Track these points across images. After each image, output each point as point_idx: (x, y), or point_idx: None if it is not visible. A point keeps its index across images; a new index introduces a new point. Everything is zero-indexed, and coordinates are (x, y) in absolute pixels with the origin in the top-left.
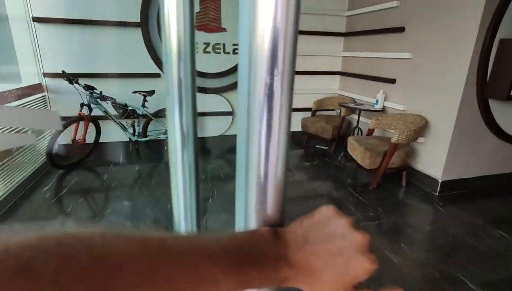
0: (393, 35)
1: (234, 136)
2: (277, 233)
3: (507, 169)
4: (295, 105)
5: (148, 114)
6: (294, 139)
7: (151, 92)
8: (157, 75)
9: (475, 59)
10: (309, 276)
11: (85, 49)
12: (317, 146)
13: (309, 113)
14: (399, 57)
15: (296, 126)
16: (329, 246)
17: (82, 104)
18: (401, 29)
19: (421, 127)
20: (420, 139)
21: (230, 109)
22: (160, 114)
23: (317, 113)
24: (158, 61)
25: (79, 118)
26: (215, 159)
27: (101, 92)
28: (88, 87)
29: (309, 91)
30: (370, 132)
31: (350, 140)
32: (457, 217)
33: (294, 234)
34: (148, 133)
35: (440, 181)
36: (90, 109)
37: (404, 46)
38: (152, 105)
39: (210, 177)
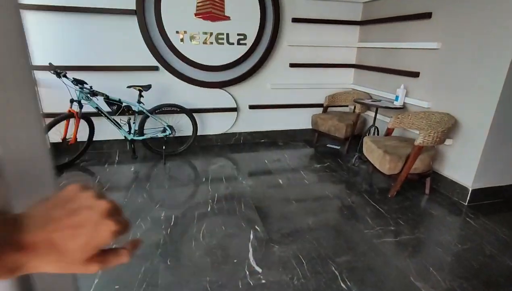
0: (418, 22)
1: (239, 134)
2: (6, 219)
3: None
4: (305, 101)
5: (145, 111)
6: (304, 138)
7: (147, 87)
8: (154, 68)
9: None
10: (53, 253)
11: (75, 40)
12: (328, 145)
13: (320, 110)
14: (425, 48)
15: (306, 123)
16: (74, 218)
17: (72, 100)
18: (427, 15)
19: (450, 128)
20: (448, 141)
21: (235, 105)
22: (158, 110)
23: (329, 109)
24: (156, 53)
25: (69, 115)
26: (217, 159)
27: (91, 87)
28: (77, 82)
29: (320, 86)
30: (389, 132)
31: (367, 141)
32: (493, 232)
33: (32, 216)
34: (145, 131)
35: (470, 189)
36: (81, 106)
37: (430, 35)
38: (150, 101)
39: (210, 179)
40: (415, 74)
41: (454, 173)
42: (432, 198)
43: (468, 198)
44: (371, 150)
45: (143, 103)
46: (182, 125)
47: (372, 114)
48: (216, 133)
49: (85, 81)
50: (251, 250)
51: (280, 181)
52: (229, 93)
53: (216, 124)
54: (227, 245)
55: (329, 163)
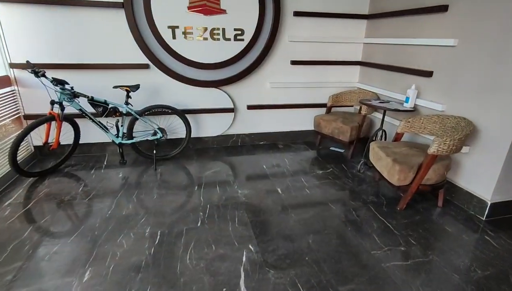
0: (432, 16)
1: (237, 135)
2: None
3: None
4: (307, 100)
5: (133, 112)
6: (306, 140)
7: (135, 87)
8: (145, 66)
9: None
10: None
11: (55, 35)
12: (331, 148)
13: (323, 110)
14: (439, 44)
15: (308, 125)
16: None
17: (52, 102)
18: (443, 8)
19: (468, 135)
20: (464, 149)
21: (232, 106)
22: (147, 112)
23: (333, 109)
24: (146, 49)
25: (49, 118)
26: (212, 163)
27: (72, 87)
28: (57, 82)
29: (324, 85)
30: (398, 137)
31: (374, 147)
32: None
33: None
34: (134, 134)
35: (489, 202)
36: (62, 108)
37: (446, 31)
38: (140, 101)
39: (203, 187)
40: (428, 74)
41: (471, 184)
42: (445, 211)
43: (486, 212)
44: (378, 157)
45: (131, 104)
46: (176, 128)
47: (380, 115)
48: (212, 135)
49: (66, 81)
50: (243, 275)
51: (279, 189)
52: (226, 93)
53: (212, 126)
54: (216, 269)
55: (332, 169)
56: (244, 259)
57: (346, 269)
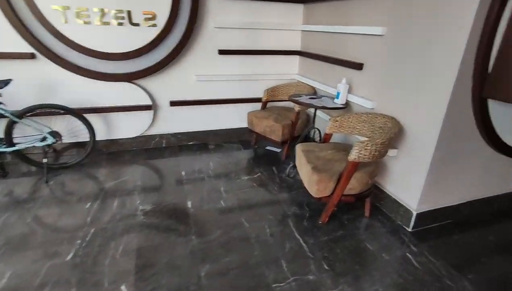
0: (362, 1)
1: (160, 136)
2: None
3: (503, 189)
4: (241, 94)
5: (8, 114)
6: (241, 138)
7: (4, 82)
8: (29, 56)
9: (474, 38)
10: None
11: None
12: (267, 148)
13: (260, 105)
14: (368, 33)
15: (244, 122)
16: None
17: None
18: None
19: (392, 138)
20: (392, 152)
21: (150, 102)
22: (30, 113)
23: (271, 104)
24: (28, 35)
25: None
26: (123, 170)
27: None
28: None
29: (260, 77)
30: (327, 137)
31: (298, 150)
32: (437, 277)
33: None
34: (16, 140)
35: (414, 212)
36: None
37: (374, 17)
38: (27, 99)
39: (97, 204)
40: (358, 66)
41: (398, 191)
42: (372, 222)
43: (412, 223)
44: (300, 163)
45: (3, 104)
46: (79, 130)
47: (319, 112)
48: (130, 137)
49: None
50: None
51: (189, 203)
52: (141, 88)
53: (128, 126)
54: None
55: (261, 173)
56: None
57: None
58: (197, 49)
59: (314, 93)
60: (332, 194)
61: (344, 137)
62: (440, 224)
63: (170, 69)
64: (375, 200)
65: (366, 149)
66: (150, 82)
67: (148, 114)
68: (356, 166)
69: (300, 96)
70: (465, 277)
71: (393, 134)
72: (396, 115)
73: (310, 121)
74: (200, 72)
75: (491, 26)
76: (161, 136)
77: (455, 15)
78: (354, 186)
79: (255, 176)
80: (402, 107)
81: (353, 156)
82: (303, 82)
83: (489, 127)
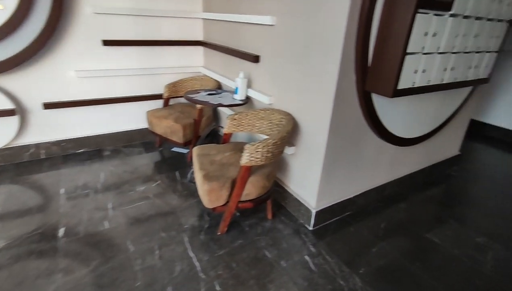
0: None
1: (36, 146)
2: None
3: (394, 176)
4: (140, 91)
5: None
6: (145, 140)
7: None
8: None
9: (352, 26)
10: None
11: None
12: (174, 149)
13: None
14: (260, 23)
15: (145, 121)
16: None
17: None
18: None
19: (285, 137)
20: (290, 150)
21: (11, 106)
22: None
23: (176, 101)
24: None
25: None
26: None
27: None
28: None
29: (160, 71)
30: (226, 138)
31: (194, 154)
32: (332, 277)
33: None
34: None
35: (313, 211)
36: None
37: (265, 5)
38: None
39: None
40: (255, 59)
41: (299, 189)
42: (274, 225)
43: (312, 222)
44: (195, 170)
45: None
46: None
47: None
48: None
49: None
50: None
51: (61, 232)
52: None
53: None
54: None
55: (161, 181)
56: None
57: None
58: (73, 39)
59: (218, 88)
60: (227, 202)
61: (249, 137)
62: (339, 218)
63: (39, 65)
64: (281, 198)
65: (257, 151)
66: (11, 81)
67: (12, 120)
68: (249, 170)
69: (198, 93)
70: (356, 273)
71: (285, 133)
72: (291, 111)
73: (218, 119)
74: (80, 67)
75: (365, 19)
76: (38, 146)
77: (331, 7)
78: (251, 191)
79: (154, 185)
80: (296, 103)
81: (244, 160)
82: (208, 76)
83: (375, 119)
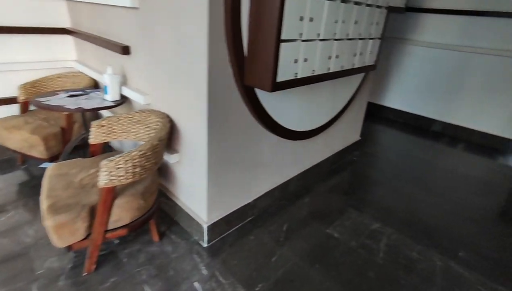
0: None
1: None
2: None
3: (296, 171)
4: None
5: None
6: (4, 157)
7: None
8: None
9: (217, 12)
10: None
11: None
12: (42, 166)
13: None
14: (119, 5)
15: None
16: None
17: None
18: None
19: (157, 145)
20: (172, 158)
21: None
22: None
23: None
24: None
25: None
26: None
27: None
28: None
29: (14, 67)
30: (94, 150)
31: (46, 175)
32: None
33: None
34: None
35: (205, 225)
36: None
37: None
38: None
39: None
40: (125, 50)
41: (189, 202)
42: (162, 248)
43: (206, 238)
44: (41, 197)
45: None
46: None
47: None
48: None
49: None
50: None
51: None
52: None
53: None
54: None
55: (14, 211)
56: None
57: None
58: None
59: (94, 86)
60: (90, 234)
61: (133, 145)
62: (239, 226)
63: None
64: (172, 213)
65: (118, 167)
66: None
67: None
68: (112, 192)
69: (57, 94)
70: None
71: (157, 141)
72: (169, 112)
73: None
74: None
75: (231, 1)
76: None
77: None
78: (121, 216)
79: (3, 218)
80: (173, 102)
81: (102, 181)
82: (83, 73)
83: (264, 115)
